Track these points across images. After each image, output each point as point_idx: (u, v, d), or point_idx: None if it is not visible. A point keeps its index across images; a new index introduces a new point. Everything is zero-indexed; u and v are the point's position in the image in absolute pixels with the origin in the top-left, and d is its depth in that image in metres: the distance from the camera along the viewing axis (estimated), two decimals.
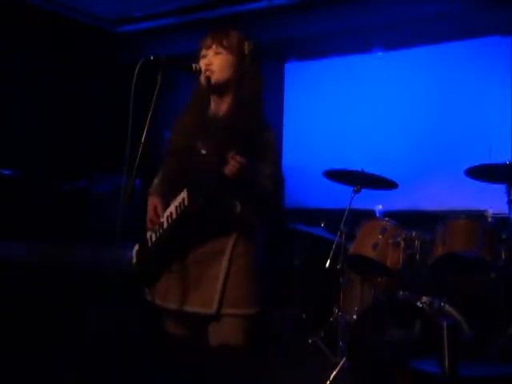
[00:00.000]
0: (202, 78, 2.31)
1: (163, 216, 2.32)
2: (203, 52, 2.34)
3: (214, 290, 2.24)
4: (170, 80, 2.25)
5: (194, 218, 2.25)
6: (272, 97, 2.34)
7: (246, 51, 2.33)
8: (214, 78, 2.29)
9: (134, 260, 2.40)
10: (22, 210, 4.94)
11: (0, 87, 5.67)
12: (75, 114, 6.26)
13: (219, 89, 2.32)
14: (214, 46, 2.31)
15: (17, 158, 5.45)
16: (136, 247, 2.41)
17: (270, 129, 2.35)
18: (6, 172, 5.05)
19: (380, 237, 3.76)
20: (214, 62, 2.30)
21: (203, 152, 2.24)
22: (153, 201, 2.38)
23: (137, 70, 2.15)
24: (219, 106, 2.35)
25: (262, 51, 2.38)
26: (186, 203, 2.22)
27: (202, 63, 2.32)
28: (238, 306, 2.25)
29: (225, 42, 2.31)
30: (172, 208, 2.29)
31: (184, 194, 2.23)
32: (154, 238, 2.35)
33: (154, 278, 2.35)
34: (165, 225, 2.31)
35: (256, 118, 2.27)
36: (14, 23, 5.78)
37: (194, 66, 2.31)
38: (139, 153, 2.10)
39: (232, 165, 2.10)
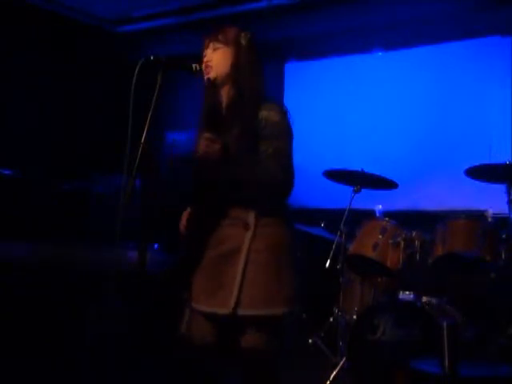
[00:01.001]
0: (205, 78, 2.32)
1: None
2: (204, 53, 2.35)
3: (230, 289, 2.17)
4: (170, 80, 2.25)
5: (208, 218, 2.26)
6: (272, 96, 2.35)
7: (243, 42, 2.34)
8: (213, 74, 2.31)
9: (174, 267, 2.42)
10: (22, 210, 4.94)
11: (0, 87, 5.67)
12: (75, 113, 6.26)
13: (220, 83, 2.33)
14: (211, 44, 2.33)
15: (17, 158, 5.45)
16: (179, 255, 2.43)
17: (273, 107, 2.31)
18: (6, 172, 5.05)
19: (380, 237, 3.76)
20: (213, 58, 2.32)
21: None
22: (186, 211, 2.41)
23: (137, 70, 2.15)
24: (223, 100, 2.36)
25: (261, 50, 2.38)
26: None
27: (203, 62, 2.33)
28: (256, 306, 2.17)
29: (220, 37, 2.32)
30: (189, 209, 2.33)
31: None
32: (184, 242, 2.37)
33: (188, 280, 2.33)
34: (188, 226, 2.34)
35: (256, 101, 2.26)
36: (14, 23, 5.78)
37: (194, 66, 2.32)
38: (139, 153, 2.10)
39: (201, 143, 2.12)
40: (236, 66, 2.31)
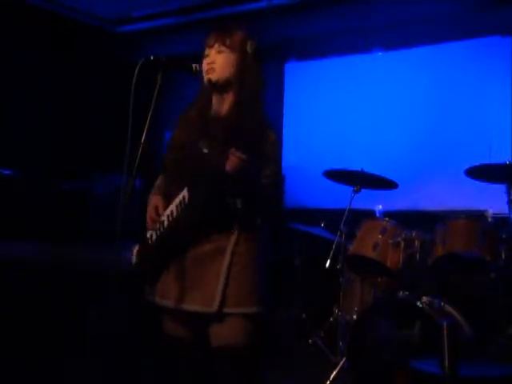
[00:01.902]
0: (204, 78, 2.32)
1: (164, 215, 2.32)
2: (206, 51, 2.34)
3: (215, 288, 2.22)
4: (170, 80, 2.25)
5: (195, 217, 2.25)
6: (272, 97, 2.35)
7: (249, 50, 2.33)
8: (216, 77, 2.30)
9: (135, 259, 2.40)
10: (22, 210, 4.94)
11: (0, 87, 5.67)
12: (75, 113, 6.26)
13: (221, 87, 2.32)
14: (216, 45, 2.31)
15: (17, 157, 5.45)
16: (136, 247, 2.40)
17: (272, 128, 2.34)
18: (6, 172, 5.05)
19: (380, 237, 3.76)
20: (217, 61, 2.30)
21: (205, 151, 2.24)
22: (154, 200, 2.37)
23: (137, 70, 2.15)
24: (221, 105, 2.35)
25: (262, 51, 2.38)
26: (186, 201, 2.22)
27: (205, 62, 2.32)
28: (239, 304, 2.23)
29: (228, 41, 2.31)
30: (173, 207, 2.29)
31: (185, 193, 2.24)
32: (154, 237, 2.35)
33: (154, 276, 2.35)
34: (165, 223, 2.31)
35: (257, 118, 2.27)
36: (14, 23, 5.78)
37: (194, 66, 2.32)
38: (139, 153, 2.10)
39: (232, 160, 2.09)
40: (240, 74, 2.30)
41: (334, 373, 3.69)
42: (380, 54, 5.67)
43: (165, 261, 2.32)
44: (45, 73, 6.02)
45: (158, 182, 2.48)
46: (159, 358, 3.56)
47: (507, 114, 5.02)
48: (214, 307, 2.21)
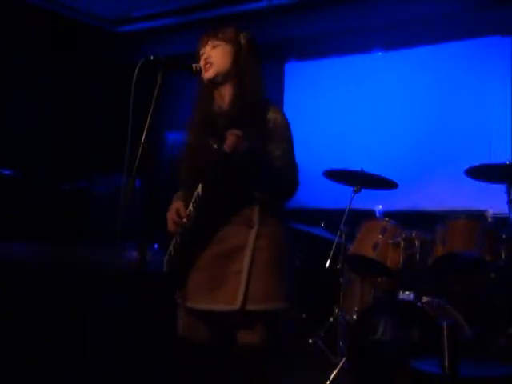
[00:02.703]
0: (204, 76, 2.32)
1: (185, 217, 2.31)
2: (201, 51, 2.35)
3: (237, 285, 2.19)
4: (169, 80, 2.25)
5: (211, 212, 2.24)
6: (272, 97, 2.34)
7: (243, 41, 2.34)
8: (214, 70, 2.30)
9: (165, 267, 2.39)
10: (22, 210, 4.94)
11: (0, 87, 5.67)
12: (75, 113, 6.26)
13: (220, 81, 2.33)
14: (210, 42, 2.33)
15: (17, 157, 5.45)
16: (166, 257, 2.39)
17: (278, 110, 2.34)
18: (6, 172, 5.05)
19: (380, 237, 3.76)
20: (213, 55, 2.31)
21: (215, 147, 2.24)
22: (175, 204, 2.36)
23: (137, 70, 2.15)
24: (223, 100, 2.35)
25: (261, 50, 2.38)
26: (200, 197, 2.22)
27: (202, 60, 2.33)
28: (264, 301, 2.20)
29: (220, 35, 2.32)
30: (190, 206, 2.29)
31: (199, 189, 2.23)
32: (178, 240, 2.34)
33: (182, 279, 2.32)
34: (186, 224, 2.30)
35: (259, 103, 2.26)
36: (14, 23, 5.78)
37: (194, 66, 2.32)
38: (139, 153, 2.10)
39: (229, 139, 2.10)
40: (237, 65, 2.31)
41: (334, 373, 3.69)
42: (380, 54, 5.67)
43: (189, 262, 2.30)
44: (45, 73, 6.02)
45: (179, 189, 2.46)
46: (159, 357, 3.57)
47: (507, 113, 5.02)
48: (237, 305, 2.17)
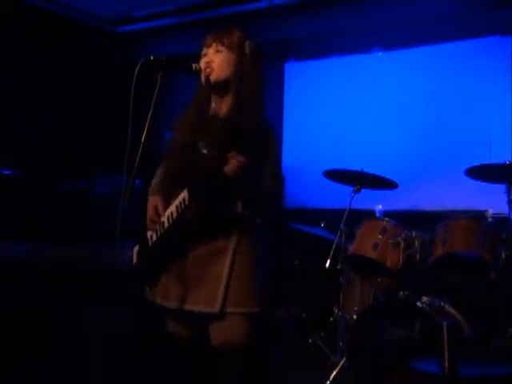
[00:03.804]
0: (203, 77, 2.31)
1: (164, 215, 2.31)
2: (204, 51, 2.34)
3: (217, 288, 2.22)
4: (170, 80, 2.25)
5: (195, 218, 2.25)
6: (272, 97, 2.34)
7: (247, 50, 2.32)
8: (214, 76, 2.29)
9: (135, 260, 2.40)
10: (22, 210, 4.94)
11: (0, 87, 5.67)
12: (75, 113, 6.26)
13: (219, 87, 2.32)
14: (214, 45, 2.31)
15: (17, 158, 5.45)
16: (136, 247, 2.40)
17: (271, 129, 2.35)
18: (6, 172, 5.05)
19: (380, 237, 3.76)
20: (215, 60, 2.30)
21: (204, 152, 2.24)
22: (153, 200, 2.36)
23: (137, 70, 2.15)
24: (220, 106, 2.35)
25: (261, 51, 2.38)
26: (186, 203, 2.22)
27: (203, 61, 2.32)
28: (241, 304, 2.23)
29: (225, 41, 2.31)
30: (173, 208, 2.29)
31: (185, 194, 2.23)
32: (154, 238, 2.34)
33: (154, 277, 2.34)
34: (165, 224, 2.31)
35: (256, 118, 2.25)
36: (14, 23, 5.78)
37: (194, 65, 2.31)
38: (139, 153, 2.10)
39: (232, 164, 2.10)
40: (238, 74, 2.29)
41: (334, 373, 3.69)
42: (380, 54, 5.67)
43: (165, 262, 2.32)
44: (45, 73, 6.02)
45: (156, 181, 2.46)
46: (159, 358, 3.57)
47: (507, 114, 5.02)
48: (217, 307, 2.20)
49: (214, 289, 2.22)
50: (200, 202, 2.21)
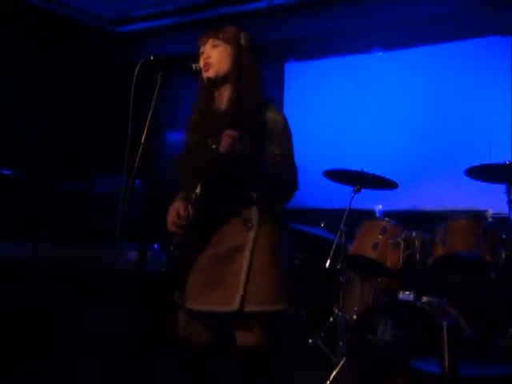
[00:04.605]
0: (203, 76, 2.32)
1: (184, 218, 2.31)
2: (201, 49, 2.35)
3: (235, 286, 2.19)
4: (170, 80, 2.25)
5: (209, 212, 2.24)
6: (272, 97, 2.36)
7: (243, 42, 2.33)
8: (214, 71, 2.30)
9: (165, 268, 2.39)
10: (22, 210, 4.94)
11: (0, 87, 5.67)
12: (75, 113, 6.26)
13: (220, 81, 2.33)
14: (210, 41, 2.32)
15: (17, 158, 5.45)
16: (166, 257, 2.39)
17: (278, 111, 2.33)
18: (6, 172, 5.05)
19: (380, 237, 3.75)
20: (213, 55, 2.31)
21: (213, 147, 2.23)
22: (175, 204, 2.36)
23: (137, 70, 2.15)
24: (221, 100, 2.36)
25: (261, 50, 2.39)
26: (198, 197, 2.22)
27: (201, 59, 2.33)
28: (262, 302, 2.19)
29: (220, 35, 2.32)
30: (189, 207, 2.29)
31: (197, 189, 2.24)
32: (177, 241, 2.34)
33: (181, 280, 2.31)
34: (185, 225, 2.30)
35: (257, 103, 2.26)
36: (14, 23, 5.78)
37: (194, 66, 2.32)
38: (139, 153, 2.10)
39: (225, 140, 2.11)
40: (237, 66, 2.31)
41: (334, 373, 3.69)
42: (380, 54, 5.67)
43: (188, 263, 2.30)
44: (45, 73, 6.02)
45: (181, 192, 2.45)
46: (159, 358, 3.57)
47: (507, 113, 5.02)
48: (235, 306, 2.17)
49: (233, 287, 2.19)
50: (212, 195, 2.20)
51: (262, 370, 2.27)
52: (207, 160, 2.23)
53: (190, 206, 2.28)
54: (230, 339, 2.27)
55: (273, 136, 2.27)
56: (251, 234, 2.23)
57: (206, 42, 2.33)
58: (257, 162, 2.21)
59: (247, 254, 2.22)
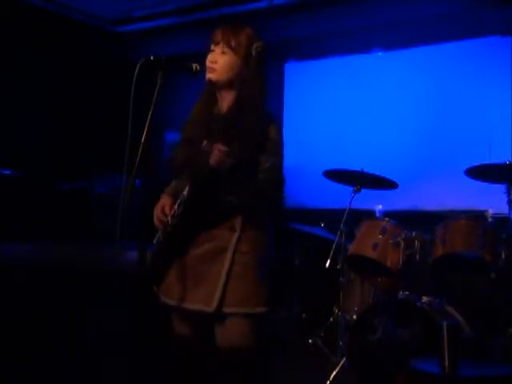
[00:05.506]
0: (206, 76, 2.32)
1: (170, 214, 2.32)
2: (212, 47, 2.33)
3: (214, 287, 2.22)
4: (170, 80, 2.25)
5: (194, 214, 2.25)
6: (272, 97, 2.35)
7: (254, 52, 2.32)
8: (216, 77, 2.30)
9: (148, 260, 2.39)
10: (22, 210, 4.94)
11: (0, 87, 5.67)
12: (75, 113, 6.26)
13: (223, 86, 2.33)
14: (221, 44, 2.31)
15: (17, 158, 5.45)
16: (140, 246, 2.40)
17: (274, 123, 2.33)
18: (6, 172, 5.05)
19: (380, 237, 3.75)
20: (219, 61, 2.30)
21: (206, 152, 2.24)
22: (162, 200, 2.39)
23: (137, 70, 2.15)
24: (223, 103, 2.36)
25: (267, 52, 2.38)
26: (185, 199, 2.23)
27: (208, 59, 2.32)
28: (240, 304, 2.22)
29: (233, 43, 2.30)
30: (175, 205, 2.31)
31: (185, 191, 2.25)
32: (161, 237, 2.36)
33: (160, 276, 2.34)
34: (170, 222, 2.32)
35: (256, 114, 2.26)
36: (14, 23, 5.78)
37: (194, 66, 2.31)
38: (139, 153, 2.10)
39: (214, 154, 2.11)
40: (241, 75, 2.30)
41: (334, 373, 3.69)
42: (380, 54, 5.67)
43: (169, 260, 2.32)
44: (45, 73, 6.02)
45: (172, 184, 2.48)
46: (159, 358, 3.56)
47: (507, 113, 5.02)
48: (213, 306, 2.20)
49: (212, 288, 2.22)
50: (198, 198, 2.21)
51: (245, 370, 2.28)
52: (199, 161, 2.23)
53: (176, 205, 2.29)
54: (210, 338, 2.29)
55: (266, 148, 2.26)
56: (234, 238, 2.25)
57: (218, 43, 2.31)
58: (246, 173, 2.21)
59: (229, 256, 2.24)
